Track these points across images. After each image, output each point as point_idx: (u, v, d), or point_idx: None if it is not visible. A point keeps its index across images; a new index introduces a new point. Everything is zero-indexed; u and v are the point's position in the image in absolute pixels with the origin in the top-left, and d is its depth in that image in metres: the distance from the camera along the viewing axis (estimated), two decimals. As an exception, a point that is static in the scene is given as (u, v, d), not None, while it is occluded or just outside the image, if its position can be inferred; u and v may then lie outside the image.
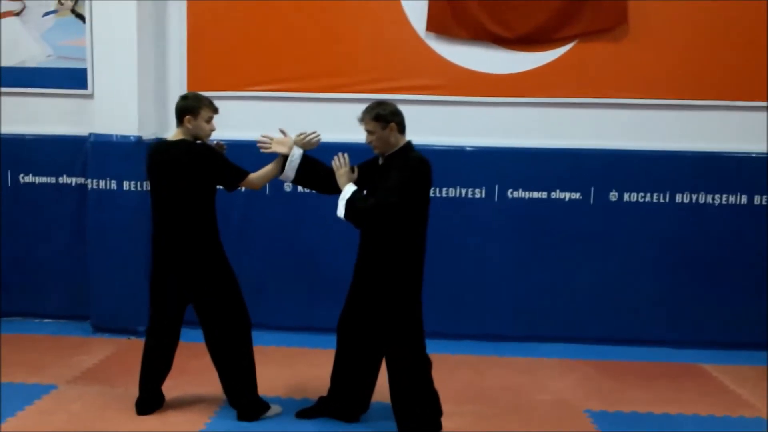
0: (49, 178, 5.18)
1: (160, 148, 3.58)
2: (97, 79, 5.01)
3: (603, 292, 5.00)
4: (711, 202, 4.92)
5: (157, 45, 5.07)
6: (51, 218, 5.18)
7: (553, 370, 4.57)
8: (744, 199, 4.90)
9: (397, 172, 3.36)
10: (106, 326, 5.02)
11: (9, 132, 5.16)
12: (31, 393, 3.91)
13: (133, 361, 4.41)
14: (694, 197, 4.93)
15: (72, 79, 5.13)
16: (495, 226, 5.00)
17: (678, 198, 4.93)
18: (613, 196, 4.96)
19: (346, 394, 3.68)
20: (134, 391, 3.88)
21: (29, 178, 5.18)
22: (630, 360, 4.78)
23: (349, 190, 3.44)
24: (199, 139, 3.58)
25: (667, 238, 4.96)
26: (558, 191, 4.98)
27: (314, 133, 3.66)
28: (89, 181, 4.95)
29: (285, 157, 3.61)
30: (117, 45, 4.88)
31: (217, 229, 3.62)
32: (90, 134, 4.95)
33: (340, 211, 3.43)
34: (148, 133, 5.01)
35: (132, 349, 4.72)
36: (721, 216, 4.91)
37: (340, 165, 3.55)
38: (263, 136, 3.65)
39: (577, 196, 4.97)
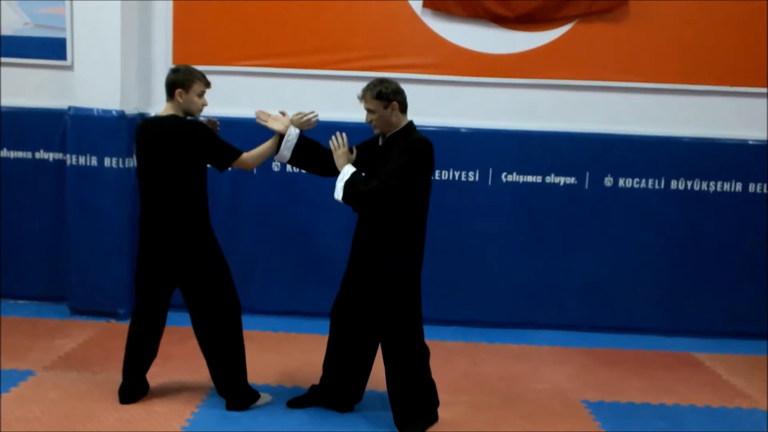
0: (25, 153, 4.94)
1: (149, 123, 3.39)
2: (77, 50, 4.76)
3: (597, 278, 4.93)
4: (706, 189, 4.86)
5: (141, 14, 4.83)
6: (27, 195, 4.95)
7: (548, 359, 4.49)
8: (739, 187, 4.84)
9: (398, 154, 3.22)
10: (84, 308, 4.82)
11: (-18, 104, 4.92)
12: (7, 379, 3.72)
13: (114, 345, 4.28)
14: (689, 184, 4.86)
15: (50, 48, 4.88)
16: (489, 210, 4.89)
17: (673, 184, 4.86)
18: (608, 181, 4.87)
19: (339, 382, 3.56)
20: (117, 378, 3.71)
21: (4, 153, 4.93)
22: (623, 348, 4.72)
23: (347, 171, 3.29)
24: (190, 115, 3.39)
25: (662, 225, 4.89)
26: (553, 175, 4.87)
27: (312, 112, 3.49)
28: (68, 156, 4.72)
29: (281, 137, 3.44)
30: (99, 14, 4.64)
31: (208, 209, 3.45)
32: (69, 107, 4.71)
33: (338, 194, 3.28)
34: (131, 108, 4.79)
35: (112, 332, 4.56)
36: (716, 203, 4.85)
37: (339, 145, 3.39)
38: (260, 111, 3.48)
39: (572, 180, 4.87)
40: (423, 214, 3.34)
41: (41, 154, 4.94)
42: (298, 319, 4.92)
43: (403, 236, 3.28)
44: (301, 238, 4.97)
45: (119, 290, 4.78)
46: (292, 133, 3.42)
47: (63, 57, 4.89)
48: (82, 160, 4.69)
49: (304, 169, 3.62)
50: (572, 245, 4.91)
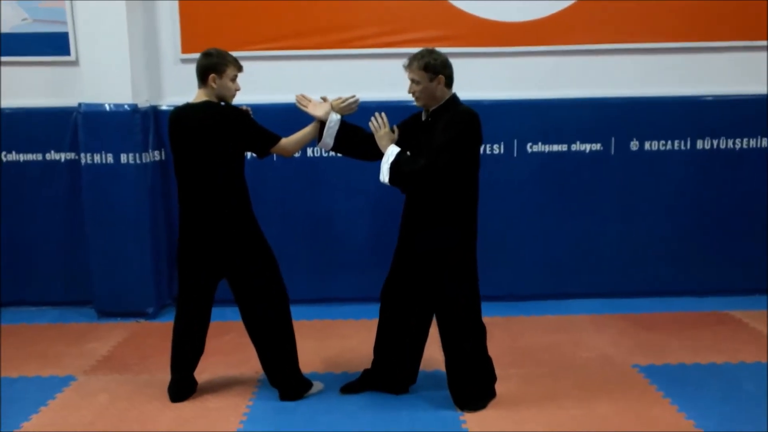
0: (35, 155, 4.76)
1: (183, 112, 3.24)
2: (81, 44, 4.58)
3: (627, 243, 4.90)
4: (732, 146, 4.83)
5: (145, 1, 4.66)
6: (41, 198, 4.78)
7: (587, 327, 4.46)
8: (765, 143, 4.81)
9: (444, 128, 3.12)
10: (111, 310, 4.69)
11: (-15, 106, 4.73)
12: (50, 386, 3.61)
13: (149, 345, 4.21)
14: (714, 142, 4.82)
15: (52, 44, 4.70)
16: (516, 182, 4.82)
17: (699, 144, 4.82)
18: (634, 145, 4.82)
19: (393, 364, 3.48)
20: (160, 378, 3.64)
21: (12, 156, 4.76)
22: (658, 312, 4.70)
23: (392, 152, 3.18)
24: (223, 100, 3.27)
25: (689, 186, 4.86)
26: (578, 143, 4.81)
27: (353, 96, 3.37)
28: (83, 155, 4.55)
29: (321, 123, 3.33)
30: (101, 4, 4.46)
31: (249, 197, 3.34)
32: (80, 104, 4.54)
33: (384, 176, 3.17)
34: (142, 101, 4.63)
35: (144, 332, 4.45)
36: (742, 161, 4.82)
37: (379, 126, 3.27)
38: (301, 96, 3.36)
39: (597, 147, 4.82)
40: (473, 187, 3.26)
41: (52, 155, 4.77)
42: (328, 306, 4.84)
43: (452, 210, 3.19)
44: (323, 224, 4.87)
45: (146, 289, 4.67)
46: (334, 119, 3.31)
47: (66, 52, 4.72)
48: (97, 158, 4.53)
49: (347, 155, 3.48)
50: (601, 212, 4.87)
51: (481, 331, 3.34)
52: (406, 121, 3.38)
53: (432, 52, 3.17)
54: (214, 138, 3.16)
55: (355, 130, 3.37)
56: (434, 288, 3.25)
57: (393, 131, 3.31)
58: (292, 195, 4.83)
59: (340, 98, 3.36)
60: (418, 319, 3.41)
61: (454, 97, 3.25)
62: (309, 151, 4.75)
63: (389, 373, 3.50)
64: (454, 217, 3.19)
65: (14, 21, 4.71)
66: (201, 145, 3.16)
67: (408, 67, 3.17)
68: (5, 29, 4.72)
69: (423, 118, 3.30)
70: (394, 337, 3.45)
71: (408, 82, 3.21)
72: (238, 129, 3.20)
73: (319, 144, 3.37)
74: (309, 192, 4.84)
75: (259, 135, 3.27)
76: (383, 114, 3.31)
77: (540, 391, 3.53)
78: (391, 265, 3.43)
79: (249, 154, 3.42)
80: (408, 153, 3.19)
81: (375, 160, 3.28)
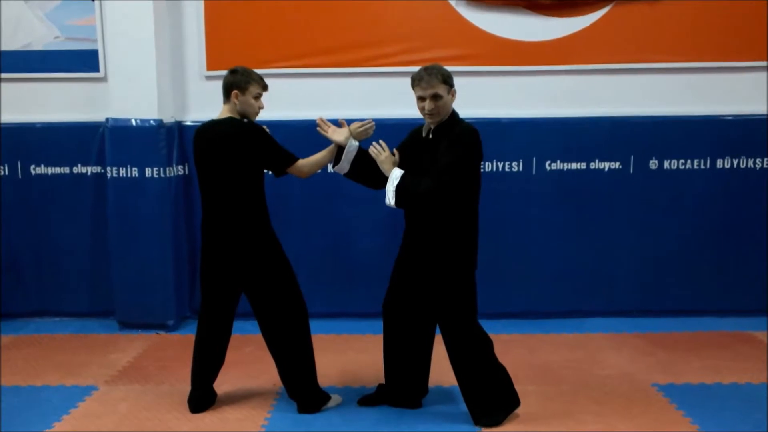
0: (63, 169, 4.87)
1: (206, 127, 3.32)
2: (110, 61, 4.70)
3: (645, 262, 4.88)
4: (752, 166, 4.81)
5: (172, 21, 4.78)
6: (67, 210, 4.88)
7: (605, 345, 4.44)
8: (786, 162, 4.80)
9: (448, 147, 3.13)
10: (133, 322, 4.75)
11: (17, 120, 4.84)
12: (72, 395, 3.67)
13: (170, 356, 4.26)
14: (734, 162, 4.81)
15: (82, 61, 4.82)
16: (534, 200, 4.83)
17: (719, 163, 4.81)
18: (653, 164, 4.82)
19: (402, 378, 3.49)
20: (180, 389, 3.69)
21: (41, 170, 4.87)
22: (677, 331, 4.67)
23: (396, 175, 3.20)
24: (246, 117, 3.34)
25: (709, 205, 4.84)
26: (597, 161, 4.82)
27: (369, 121, 3.40)
28: (109, 169, 4.65)
29: (338, 147, 3.38)
30: (130, 22, 4.58)
31: (268, 212, 3.39)
32: (107, 119, 4.65)
33: (390, 199, 3.19)
34: (168, 117, 4.73)
35: (165, 344, 4.50)
36: (763, 179, 4.79)
37: (380, 151, 3.30)
38: (321, 120, 3.41)
39: (616, 165, 4.83)
40: (474, 202, 3.27)
41: (79, 169, 4.87)
42: (346, 321, 4.86)
43: (453, 225, 3.20)
44: (341, 239, 4.91)
45: (167, 302, 4.73)
46: (353, 146, 3.35)
47: (95, 69, 4.84)
48: (123, 171, 4.62)
49: (358, 182, 3.50)
50: (619, 230, 4.86)
51: (485, 342, 3.33)
52: (405, 142, 3.40)
53: (438, 65, 3.16)
54: (232, 153, 3.22)
55: (369, 158, 3.38)
56: (435, 299, 3.27)
57: (394, 154, 3.33)
58: (311, 210, 4.88)
59: (357, 123, 3.39)
60: (420, 330, 3.43)
61: (455, 113, 3.26)
62: (329, 166, 4.79)
63: (400, 387, 3.51)
64: (456, 231, 3.21)
65: (47, 39, 4.85)
66: (219, 159, 3.23)
67: (426, 83, 3.11)
68: (39, 47, 4.85)
69: (424, 135, 3.31)
70: (400, 349, 3.47)
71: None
72: (257, 147, 3.26)
73: (335, 168, 3.41)
74: (328, 207, 4.88)
75: (276, 154, 3.33)
76: (381, 141, 3.34)
77: (559, 408, 3.52)
78: (391, 278, 3.46)
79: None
80: (411, 175, 3.18)
81: (382, 188, 3.30)
